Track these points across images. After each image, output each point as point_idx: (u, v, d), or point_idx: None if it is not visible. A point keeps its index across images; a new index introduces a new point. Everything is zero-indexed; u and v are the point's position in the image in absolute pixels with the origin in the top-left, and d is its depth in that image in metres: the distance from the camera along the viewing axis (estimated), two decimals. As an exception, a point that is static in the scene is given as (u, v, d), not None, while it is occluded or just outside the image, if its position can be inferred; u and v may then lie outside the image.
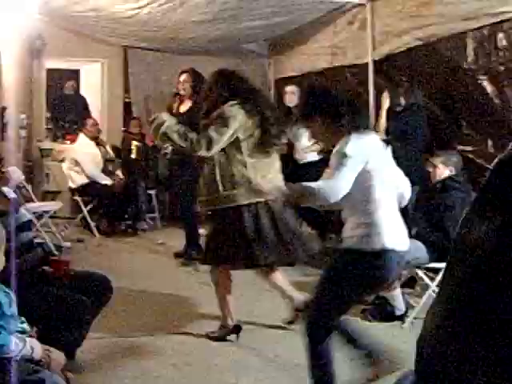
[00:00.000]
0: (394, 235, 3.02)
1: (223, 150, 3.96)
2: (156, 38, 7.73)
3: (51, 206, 6.68)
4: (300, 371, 3.84)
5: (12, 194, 3.43)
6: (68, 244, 6.52)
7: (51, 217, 6.77)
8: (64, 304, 3.15)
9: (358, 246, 2.98)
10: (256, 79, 6.09)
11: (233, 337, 4.20)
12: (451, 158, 4.76)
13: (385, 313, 4.68)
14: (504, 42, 4.54)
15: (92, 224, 7.39)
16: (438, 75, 5.36)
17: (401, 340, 4.35)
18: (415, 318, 4.60)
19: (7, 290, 2.43)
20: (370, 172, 2.95)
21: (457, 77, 5.10)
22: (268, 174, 4.03)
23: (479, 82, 4.79)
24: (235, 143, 3.95)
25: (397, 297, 4.65)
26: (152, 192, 7.98)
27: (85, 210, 7.34)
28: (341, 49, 6.75)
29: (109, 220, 7.48)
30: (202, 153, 3.94)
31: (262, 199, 3.96)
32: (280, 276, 4.26)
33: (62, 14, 7.22)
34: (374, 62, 6.04)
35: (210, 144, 3.90)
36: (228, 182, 3.97)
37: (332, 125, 3.05)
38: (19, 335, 2.35)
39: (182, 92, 6.03)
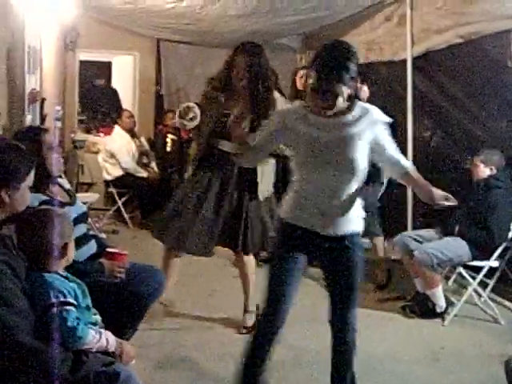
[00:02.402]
0: None
1: None
2: (191, 31, 7.74)
3: (89, 197, 6.73)
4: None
5: (67, 185, 3.47)
6: (103, 236, 6.56)
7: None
8: (120, 296, 3.18)
9: (360, 228, 2.94)
10: (288, 73, 6.05)
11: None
12: (492, 156, 4.75)
13: (425, 309, 4.70)
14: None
15: (126, 216, 7.45)
16: (480, 73, 5.32)
17: (441, 337, 4.39)
18: (456, 316, 4.63)
19: (80, 281, 2.46)
20: None
21: (500, 75, 5.06)
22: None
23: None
24: None
25: (438, 294, 4.66)
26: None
27: (119, 202, 7.40)
28: (377, 44, 6.72)
29: (143, 212, 7.53)
30: None
31: None
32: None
33: (97, 6, 7.27)
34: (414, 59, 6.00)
35: None
36: None
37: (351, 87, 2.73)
38: (93, 327, 2.38)
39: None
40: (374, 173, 5.29)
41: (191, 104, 4.07)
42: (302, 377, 3.69)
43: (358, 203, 2.91)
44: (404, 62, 6.13)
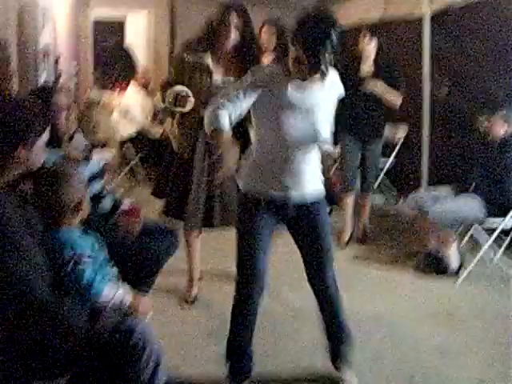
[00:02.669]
0: None
1: None
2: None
3: (104, 155, 6.71)
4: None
5: (83, 143, 3.48)
6: (118, 193, 6.59)
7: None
8: (134, 252, 3.21)
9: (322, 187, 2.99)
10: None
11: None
12: (510, 114, 4.69)
13: (438, 268, 4.72)
14: None
15: (140, 175, 7.47)
16: (499, 32, 5.22)
17: (454, 296, 4.40)
18: (469, 274, 4.63)
19: (96, 236, 2.49)
20: None
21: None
22: None
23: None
24: None
25: (451, 253, 4.67)
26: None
27: (133, 161, 7.42)
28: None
29: (156, 171, 7.52)
30: None
31: None
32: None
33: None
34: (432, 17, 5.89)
35: None
36: None
37: None
38: (110, 281, 2.42)
39: (265, 44, 5.18)
40: (374, 128, 5.35)
41: (189, 92, 3.73)
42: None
43: (318, 164, 2.96)
44: (422, 18, 6.03)
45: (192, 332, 3.66)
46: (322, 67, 2.66)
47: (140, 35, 9.34)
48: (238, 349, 3.05)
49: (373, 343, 3.62)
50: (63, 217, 2.40)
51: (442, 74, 5.95)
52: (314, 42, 2.61)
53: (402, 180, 6.53)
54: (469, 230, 4.93)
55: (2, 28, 4.66)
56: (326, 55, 2.62)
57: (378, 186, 6.77)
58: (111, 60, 9.36)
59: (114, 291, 2.36)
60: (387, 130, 6.76)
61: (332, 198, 6.15)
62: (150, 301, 2.56)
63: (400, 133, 6.59)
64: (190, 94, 3.74)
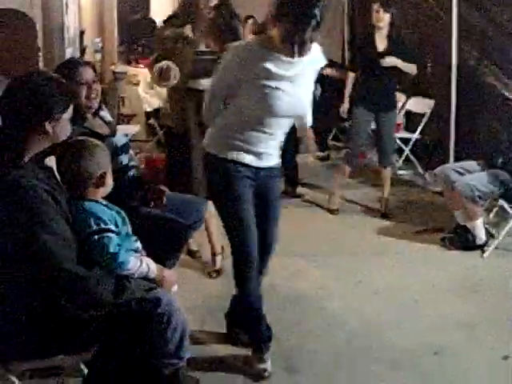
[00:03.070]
0: None
1: None
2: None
3: (130, 129, 6.75)
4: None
5: (109, 117, 3.48)
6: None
7: (127, 140, 6.86)
8: (159, 225, 3.22)
9: None
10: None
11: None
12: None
13: (465, 241, 4.68)
14: None
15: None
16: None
17: (480, 269, 4.37)
18: (496, 248, 4.60)
19: (119, 209, 2.50)
20: None
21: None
22: None
23: None
24: None
25: (479, 226, 4.63)
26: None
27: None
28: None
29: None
30: None
31: None
32: None
33: None
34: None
35: None
36: None
37: None
38: (135, 254, 2.44)
39: None
40: (385, 98, 5.29)
41: (171, 64, 3.76)
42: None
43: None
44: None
45: (216, 305, 3.70)
46: (306, 45, 2.64)
47: (164, 9, 9.29)
48: (254, 313, 3.04)
49: (397, 315, 3.62)
50: (87, 189, 2.42)
51: (470, 44, 5.85)
52: (298, 22, 2.56)
53: (429, 155, 6.46)
54: (496, 203, 4.88)
55: (29, 6, 4.67)
56: (311, 33, 2.59)
57: (404, 160, 6.73)
58: (137, 33, 9.37)
59: (139, 263, 2.39)
60: (412, 104, 6.71)
61: None
62: (175, 274, 2.58)
63: (426, 107, 6.53)
64: (172, 66, 3.75)
